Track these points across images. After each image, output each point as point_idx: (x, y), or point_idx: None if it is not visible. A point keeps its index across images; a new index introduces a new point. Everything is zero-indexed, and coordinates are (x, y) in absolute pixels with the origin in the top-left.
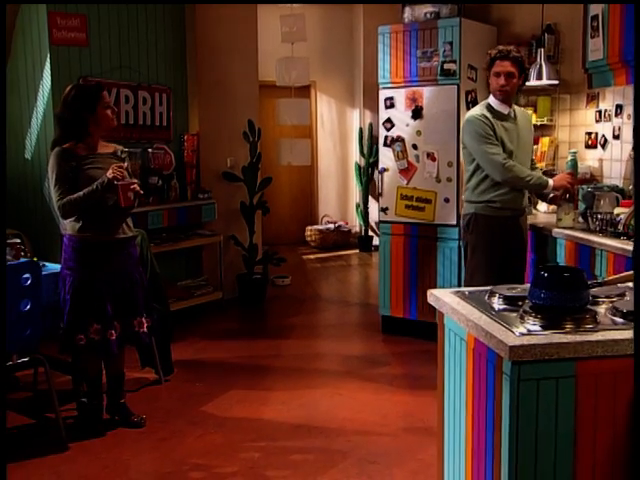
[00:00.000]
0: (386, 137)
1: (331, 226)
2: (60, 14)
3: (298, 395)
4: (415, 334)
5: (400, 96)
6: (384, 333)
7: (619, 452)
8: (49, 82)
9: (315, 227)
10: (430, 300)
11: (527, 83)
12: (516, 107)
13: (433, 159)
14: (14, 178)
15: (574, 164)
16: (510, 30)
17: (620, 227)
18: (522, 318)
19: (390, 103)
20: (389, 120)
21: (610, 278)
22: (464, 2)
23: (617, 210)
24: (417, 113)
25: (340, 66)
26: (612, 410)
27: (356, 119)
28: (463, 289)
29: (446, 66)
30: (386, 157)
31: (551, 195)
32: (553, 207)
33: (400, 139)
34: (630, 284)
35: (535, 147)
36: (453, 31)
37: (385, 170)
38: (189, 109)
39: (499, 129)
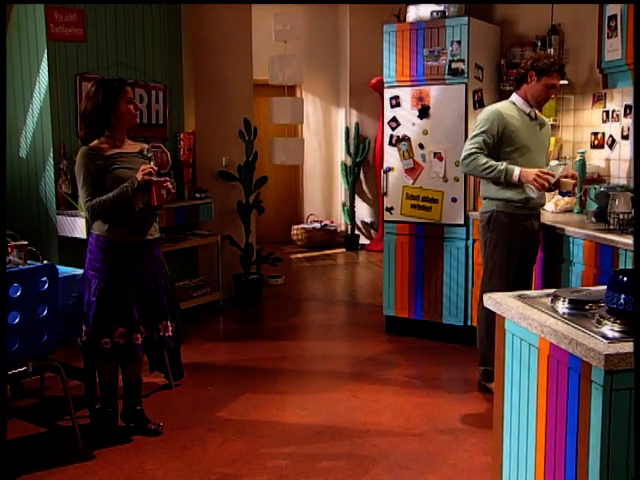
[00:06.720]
0: (391, 136)
1: (317, 225)
2: (58, 8)
3: (315, 399)
4: (420, 334)
5: (406, 95)
6: (388, 333)
7: None
8: (46, 79)
9: (301, 226)
10: (488, 304)
11: None
12: (539, 113)
13: (440, 158)
14: (8, 177)
15: (582, 164)
16: (514, 30)
17: None
18: (599, 323)
19: (396, 102)
20: (394, 119)
21: None
22: (469, 2)
23: None
24: (424, 112)
25: (325, 65)
26: None
27: (341, 118)
28: (523, 292)
29: (454, 65)
30: (391, 156)
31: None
32: (561, 206)
33: (406, 138)
34: None
35: None
36: (461, 30)
37: (390, 169)
38: (185, 107)
39: (515, 121)
